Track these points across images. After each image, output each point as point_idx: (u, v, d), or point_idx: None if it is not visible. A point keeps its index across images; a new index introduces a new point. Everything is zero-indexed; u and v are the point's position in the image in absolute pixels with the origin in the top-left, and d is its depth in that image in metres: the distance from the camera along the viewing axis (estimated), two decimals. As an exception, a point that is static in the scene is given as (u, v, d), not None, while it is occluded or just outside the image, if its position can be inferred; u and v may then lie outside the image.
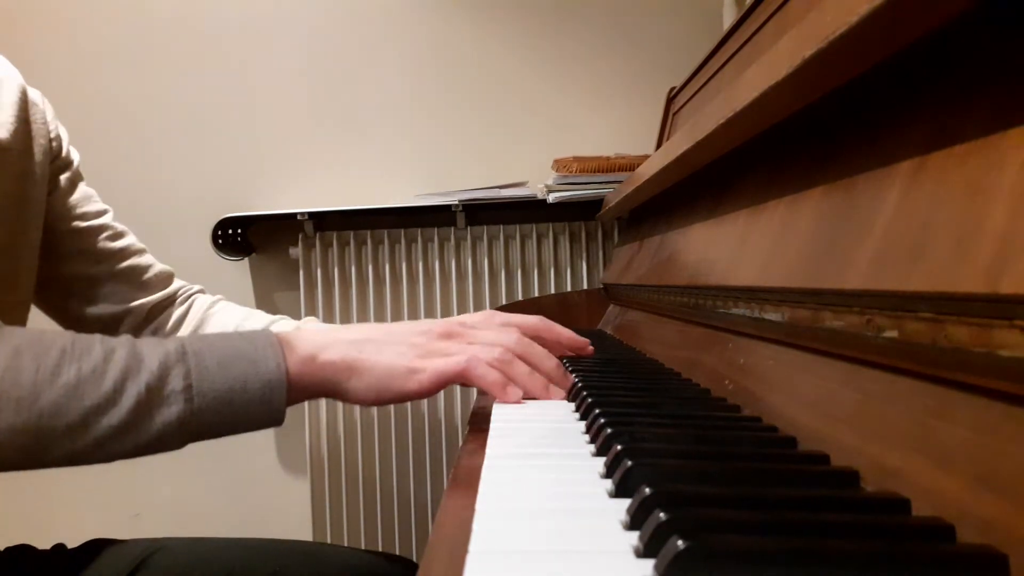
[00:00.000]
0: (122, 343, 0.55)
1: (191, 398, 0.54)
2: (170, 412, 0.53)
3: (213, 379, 0.54)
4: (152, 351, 0.54)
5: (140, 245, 0.91)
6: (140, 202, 1.87)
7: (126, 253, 0.89)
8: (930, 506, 0.32)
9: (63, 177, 0.84)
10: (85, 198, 0.86)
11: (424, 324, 0.64)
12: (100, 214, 0.88)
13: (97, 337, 0.55)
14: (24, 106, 0.77)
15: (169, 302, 0.91)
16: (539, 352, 0.65)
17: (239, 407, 0.55)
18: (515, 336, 0.64)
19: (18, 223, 0.75)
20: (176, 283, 0.93)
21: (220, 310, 0.94)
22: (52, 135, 0.81)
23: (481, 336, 0.63)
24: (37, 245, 0.78)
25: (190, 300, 0.94)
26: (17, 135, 0.75)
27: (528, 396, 0.62)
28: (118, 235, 0.89)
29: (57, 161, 0.82)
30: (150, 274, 0.90)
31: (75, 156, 0.86)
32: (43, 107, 0.81)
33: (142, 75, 1.88)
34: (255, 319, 0.93)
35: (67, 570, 0.77)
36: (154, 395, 0.53)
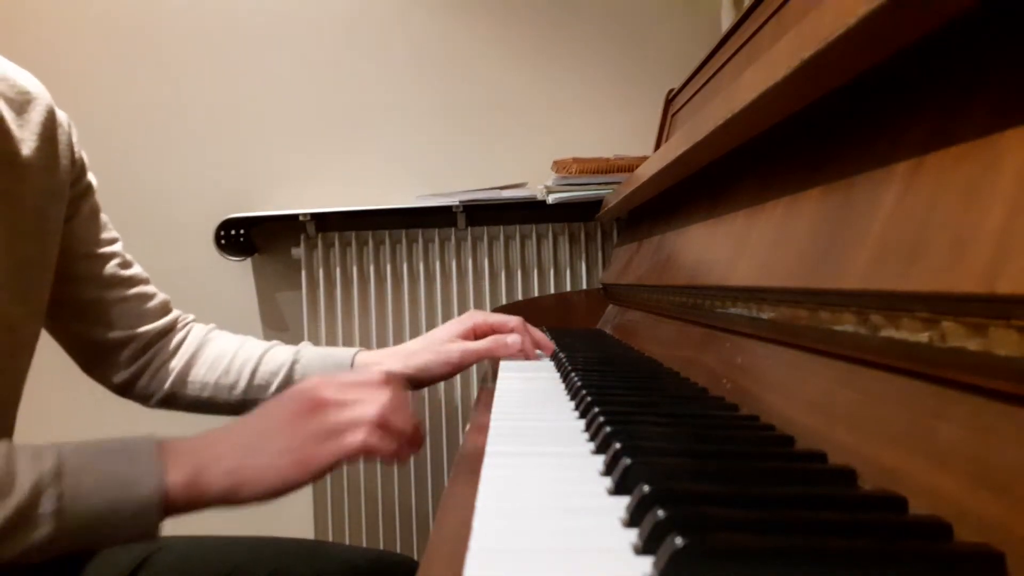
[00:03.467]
0: (1, 452, 0.54)
1: (63, 521, 0.53)
2: (39, 533, 0.53)
3: (88, 500, 0.54)
4: (28, 469, 0.54)
5: (145, 275, 0.93)
6: (144, 203, 1.87)
7: (134, 281, 0.91)
8: (927, 505, 0.32)
9: (84, 202, 0.86)
10: (102, 225, 0.89)
11: (294, 402, 0.61)
12: (113, 241, 0.90)
13: None
14: (51, 126, 0.79)
15: (169, 329, 0.93)
16: (402, 414, 0.62)
17: (110, 528, 0.55)
18: (380, 405, 0.61)
19: (38, 238, 0.76)
20: (174, 312, 0.95)
21: (216, 339, 0.96)
22: (76, 156, 0.84)
23: (349, 410, 0.61)
24: (53, 263, 0.79)
25: (187, 328, 0.95)
26: (41, 153, 0.77)
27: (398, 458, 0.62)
28: (128, 264, 0.91)
29: (78, 185, 0.84)
30: (154, 303, 0.92)
31: (94, 181, 0.88)
32: (68, 129, 0.83)
33: (145, 77, 1.88)
34: (249, 346, 0.94)
35: (68, 569, 0.77)
36: (24, 517, 0.52)
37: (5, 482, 0.53)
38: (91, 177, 0.87)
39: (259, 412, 0.62)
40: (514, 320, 0.96)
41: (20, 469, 0.54)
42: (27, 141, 0.76)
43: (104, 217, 0.89)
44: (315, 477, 0.59)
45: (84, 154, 0.86)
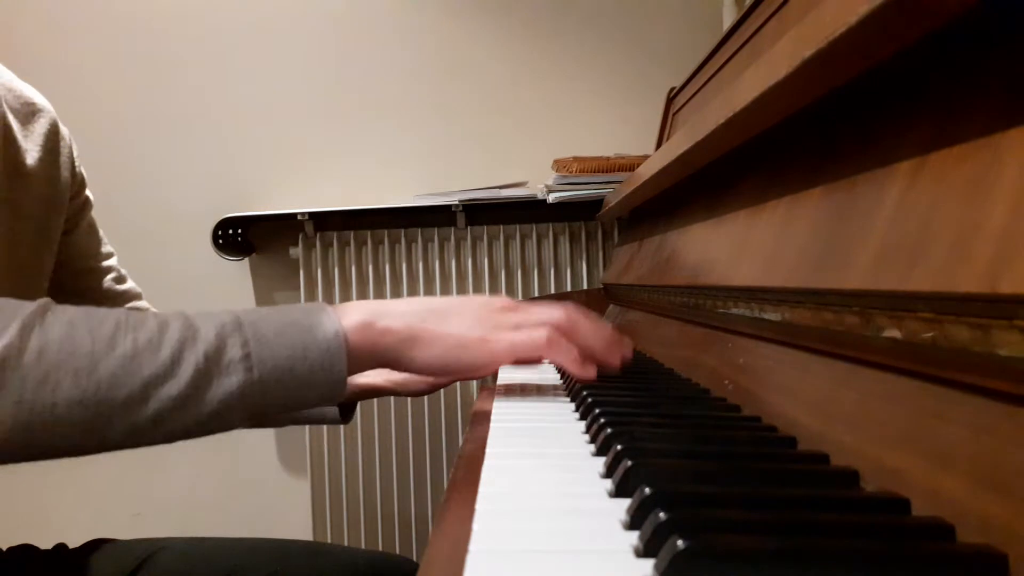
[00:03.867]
0: (175, 315, 0.53)
1: (251, 367, 0.51)
2: (230, 382, 0.51)
3: (272, 347, 0.52)
4: (206, 322, 0.52)
5: (138, 290, 0.95)
6: (141, 202, 1.87)
7: (128, 296, 0.92)
8: (930, 506, 0.32)
9: (83, 217, 0.87)
10: (99, 240, 0.90)
11: (482, 298, 0.62)
12: (109, 256, 0.92)
13: (150, 312, 0.54)
14: (54, 138, 0.81)
15: None
16: (588, 324, 0.64)
17: (300, 375, 0.53)
18: (565, 311, 0.63)
19: (37, 249, 0.78)
20: None
21: None
22: (77, 170, 0.86)
23: (537, 312, 0.62)
24: (49, 273, 0.80)
25: None
26: (44, 164, 0.78)
27: (597, 360, 0.62)
28: (123, 279, 0.92)
29: (77, 199, 0.86)
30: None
31: (91, 197, 0.90)
32: (70, 143, 0.85)
33: (143, 76, 1.88)
34: None
35: (68, 570, 0.77)
36: (213, 364, 0.51)
37: (188, 332, 0.51)
38: (89, 193, 0.89)
39: (445, 298, 0.62)
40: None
41: (200, 323, 0.52)
42: (31, 151, 0.77)
43: (101, 233, 0.91)
44: (494, 360, 0.58)
45: (83, 170, 0.88)
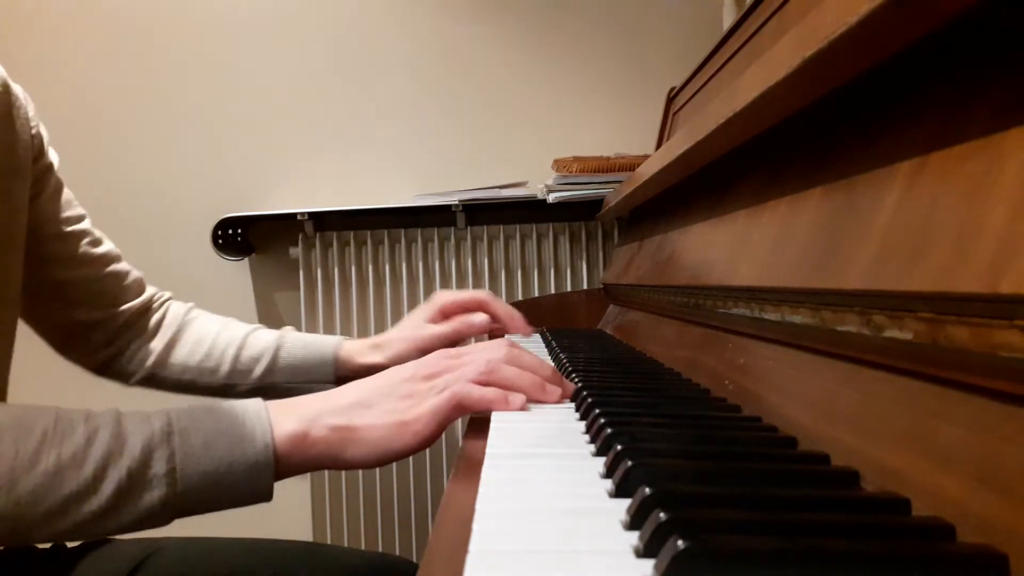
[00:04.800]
0: (107, 422, 0.53)
1: (174, 482, 0.52)
2: (152, 496, 0.52)
3: (199, 461, 0.53)
4: (136, 431, 0.53)
5: (117, 251, 0.91)
6: (140, 202, 1.87)
7: (106, 259, 0.89)
8: (930, 506, 0.32)
9: (47, 181, 0.83)
10: (67, 203, 0.86)
11: (408, 369, 0.61)
12: (80, 219, 0.87)
13: (82, 416, 0.53)
14: (7, 100, 0.76)
15: (145, 308, 0.92)
16: (529, 358, 0.63)
17: (224, 488, 0.54)
18: (502, 349, 0.62)
19: (4, 219, 0.74)
20: (149, 289, 0.93)
21: (198, 317, 0.95)
22: (33, 132, 0.80)
23: (466, 360, 0.61)
24: (22, 244, 0.77)
25: (164, 306, 0.94)
26: (1, 130, 0.73)
27: (532, 399, 0.60)
28: (97, 241, 0.89)
29: (40, 162, 0.81)
30: (128, 280, 0.91)
31: (55, 158, 0.85)
32: (25, 103, 0.79)
33: (142, 75, 1.88)
34: (232, 328, 0.93)
35: (66, 570, 0.77)
36: (136, 480, 0.52)
37: (115, 445, 0.52)
38: (52, 154, 0.84)
39: (374, 380, 0.62)
40: (481, 295, 0.96)
41: (130, 431, 0.53)
42: None
43: (68, 193, 0.87)
44: (420, 439, 0.57)
45: (43, 128, 0.82)
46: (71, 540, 0.53)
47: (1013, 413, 0.30)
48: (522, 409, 0.58)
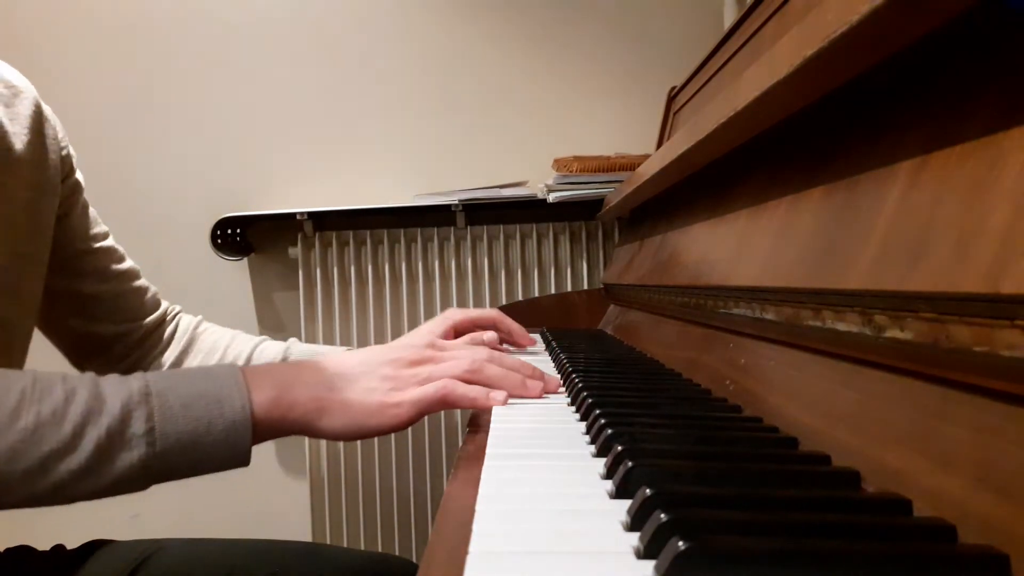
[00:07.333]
0: (85, 383, 0.54)
1: (153, 441, 0.53)
2: (131, 456, 0.52)
3: (176, 421, 0.53)
4: (115, 391, 0.53)
5: (138, 267, 0.94)
6: (140, 202, 1.87)
7: (129, 275, 0.91)
8: (931, 507, 0.32)
9: (78, 198, 0.86)
10: (94, 220, 0.89)
11: (393, 351, 0.63)
12: (106, 235, 0.90)
13: (59, 376, 0.54)
14: (39, 120, 0.78)
15: (160, 321, 0.93)
16: (510, 359, 0.66)
17: (203, 449, 0.54)
18: (484, 350, 0.65)
19: (30, 234, 0.76)
20: (164, 303, 0.95)
21: (208, 330, 0.97)
22: (63, 152, 0.83)
23: (450, 355, 0.63)
24: (46, 259, 0.79)
25: (176, 319, 0.96)
26: (31, 148, 0.76)
27: (513, 396, 0.63)
28: (122, 257, 0.91)
29: (68, 180, 0.84)
30: (148, 295, 0.93)
31: (82, 178, 0.88)
32: (55, 123, 0.82)
33: (142, 75, 1.88)
34: (240, 341, 0.94)
35: (66, 571, 0.77)
36: (115, 439, 0.52)
37: (95, 404, 0.52)
38: (79, 174, 0.87)
39: (358, 354, 0.63)
40: (492, 313, 0.98)
41: (108, 392, 0.53)
42: (19, 135, 0.75)
43: (93, 211, 0.89)
44: (397, 423, 0.59)
45: (72, 150, 0.85)
46: (48, 504, 0.53)
47: (1014, 413, 0.30)
48: (503, 404, 0.60)
